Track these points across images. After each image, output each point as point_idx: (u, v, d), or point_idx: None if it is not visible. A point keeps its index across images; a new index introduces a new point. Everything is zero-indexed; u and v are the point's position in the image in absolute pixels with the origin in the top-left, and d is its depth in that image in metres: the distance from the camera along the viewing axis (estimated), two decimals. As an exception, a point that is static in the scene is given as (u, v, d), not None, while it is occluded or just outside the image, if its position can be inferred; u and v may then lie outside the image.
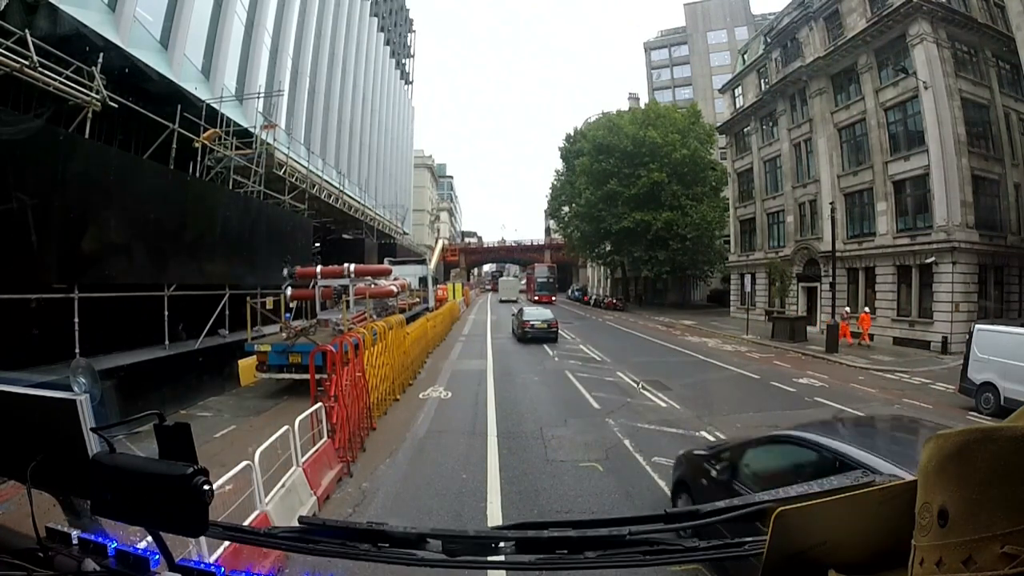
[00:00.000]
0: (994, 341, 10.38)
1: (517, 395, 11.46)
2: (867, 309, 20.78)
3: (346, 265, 14.20)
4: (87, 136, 9.79)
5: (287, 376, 11.07)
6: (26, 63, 8.55)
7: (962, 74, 20.20)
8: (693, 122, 38.43)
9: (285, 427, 5.24)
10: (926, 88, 19.45)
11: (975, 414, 10.24)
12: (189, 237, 11.85)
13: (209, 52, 17.12)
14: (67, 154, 8.64)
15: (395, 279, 18.37)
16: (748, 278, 28.66)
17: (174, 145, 12.53)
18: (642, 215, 36.29)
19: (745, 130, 32.04)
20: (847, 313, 21.04)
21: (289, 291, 13.78)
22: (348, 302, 13.17)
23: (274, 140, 18.53)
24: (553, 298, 49.12)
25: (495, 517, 5.44)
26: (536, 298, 47.25)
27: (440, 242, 63.56)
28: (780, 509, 0.81)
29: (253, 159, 16.39)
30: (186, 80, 14.74)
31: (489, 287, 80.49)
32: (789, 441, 3.91)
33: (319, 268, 14.46)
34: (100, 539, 1.07)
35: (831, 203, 22.06)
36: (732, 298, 33.06)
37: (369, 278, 15.46)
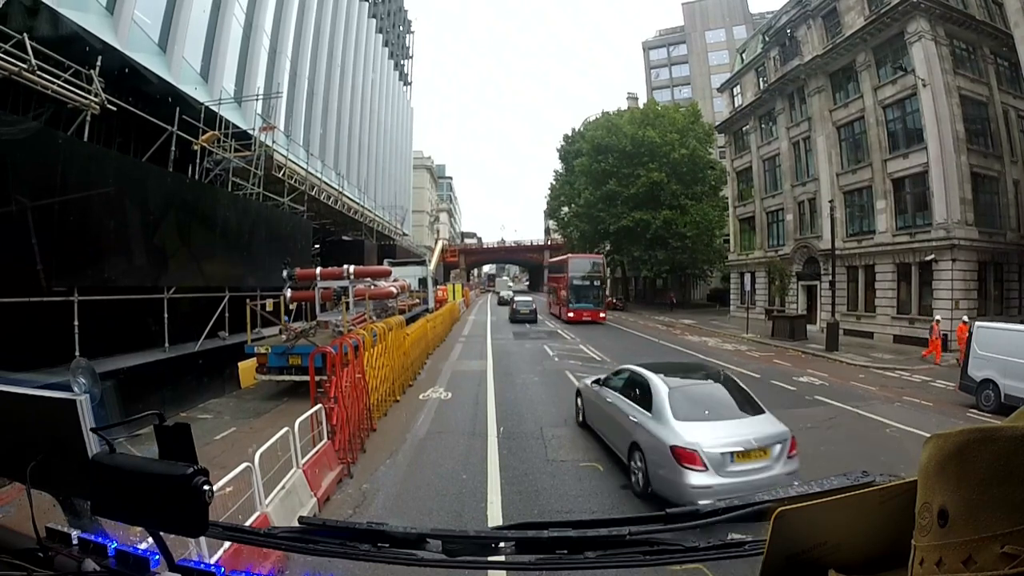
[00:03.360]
0: (994, 338, 10.39)
1: (517, 395, 11.45)
2: (965, 318, 16.07)
3: (346, 267, 14.20)
4: (86, 139, 9.78)
5: (287, 378, 11.07)
6: (24, 66, 8.54)
7: (960, 71, 20.22)
8: (692, 121, 38.46)
9: (285, 428, 5.24)
10: (924, 86, 19.46)
11: (975, 411, 10.25)
12: (188, 239, 11.84)
13: (208, 54, 17.11)
14: (66, 157, 8.64)
15: (395, 280, 18.36)
16: (748, 277, 28.68)
17: (173, 147, 12.54)
18: (641, 215, 36.33)
19: (744, 129, 32.05)
20: (938, 323, 16.90)
21: (289, 293, 13.78)
22: (348, 303, 13.17)
23: (273, 142, 18.53)
24: (603, 315, 29.25)
25: (495, 518, 5.44)
26: (571, 316, 27.96)
27: (439, 243, 63.49)
28: (780, 509, 0.81)
29: (252, 161, 16.38)
30: (185, 82, 14.74)
31: (487, 287, 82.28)
32: (626, 370, 7.37)
33: (319, 270, 14.46)
34: (100, 539, 1.07)
35: (830, 201, 22.08)
36: (732, 297, 33.07)
37: (369, 279, 15.44)
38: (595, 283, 29.89)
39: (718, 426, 5.64)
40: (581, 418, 8.63)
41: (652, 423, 5.91)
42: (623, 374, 7.32)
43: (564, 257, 33.55)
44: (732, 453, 5.32)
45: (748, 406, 6.10)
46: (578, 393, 8.95)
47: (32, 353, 7.58)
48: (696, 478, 5.21)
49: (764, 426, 5.75)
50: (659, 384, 6.26)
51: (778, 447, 5.53)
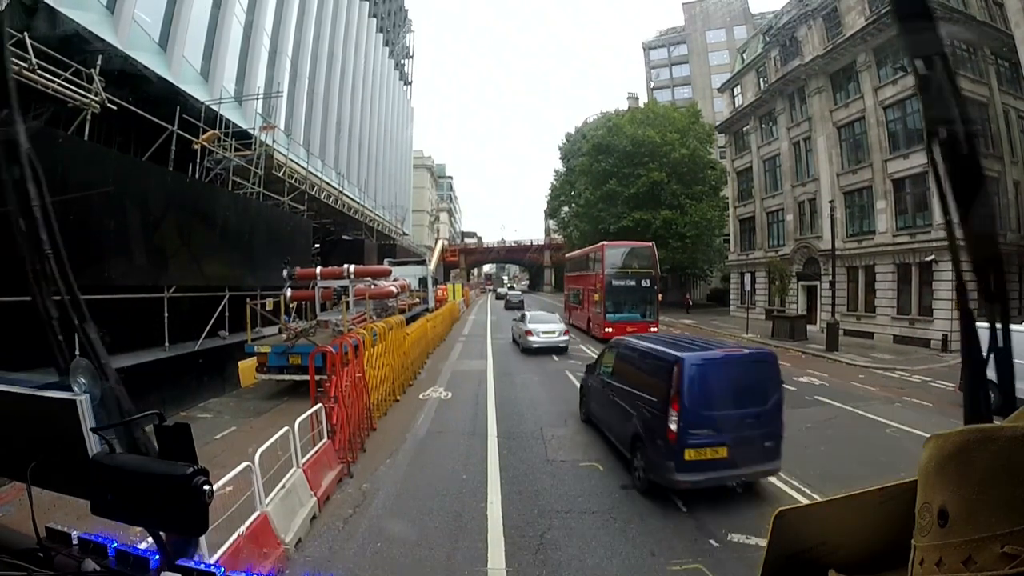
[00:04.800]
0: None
1: (517, 395, 11.45)
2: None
3: (346, 266, 14.20)
4: (86, 138, 9.78)
5: (287, 377, 11.07)
6: (25, 65, 8.54)
7: (961, 72, 20.20)
8: (692, 121, 38.43)
9: (285, 428, 5.24)
10: (925, 86, 19.44)
11: (975, 412, 10.23)
12: (188, 239, 11.84)
13: (208, 54, 17.11)
14: (66, 156, 8.64)
15: (395, 280, 18.36)
16: (748, 277, 28.69)
17: (173, 147, 12.53)
18: (641, 214, 36.31)
19: (744, 129, 32.05)
20: None
21: (289, 292, 13.78)
22: (348, 303, 13.16)
23: (273, 141, 18.53)
24: (655, 328, 20.14)
25: (495, 517, 5.44)
26: (609, 331, 18.69)
27: (440, 243, 63.49)
28: (780, 509, 0.81)
29: (252, 160, 16.39)
30: (185, 82, 14.73)
31: (486, 287, 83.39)
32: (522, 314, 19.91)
33: (319, 269, 14.47)
34: (100, 539, 1.07)
35: (830, 201, 22.07)
36: (732, 297, 33.08)
37: (369, 279, 15.45)
38: (643, 282, 20.73)
39: (541, 324, 17.90)
40: (512, 339, 19.96)
41: (523, 325, 18.19)
42: (523, 317, 19.17)
43: (596, 247, 23.77)
44: (543, 330, 17.54)
45: (557, 318, 19.05)
46: (512, 329, 20.51)
47: (32, 353, 7.58)
48: (532, 339, 17.31)
49: (556, 324, 18.15)
50: (528, 313, 19.70)
51: (558, 330, 17.78)
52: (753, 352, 6.43)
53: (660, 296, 21.52)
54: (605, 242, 23.72)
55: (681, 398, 5.51)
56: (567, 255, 33.78)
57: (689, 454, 5.45)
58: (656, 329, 20.42)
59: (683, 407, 5.50)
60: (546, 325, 17.68)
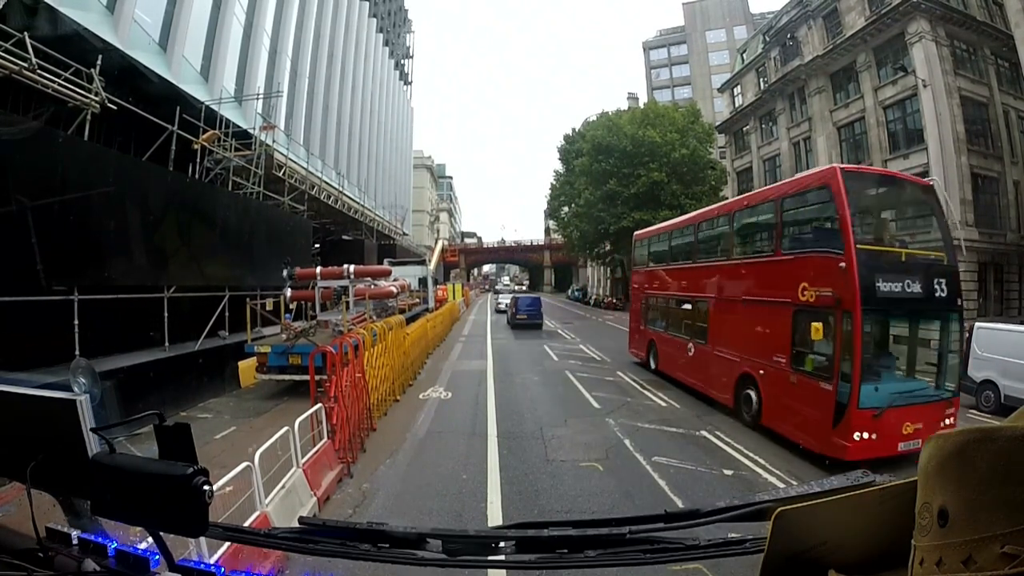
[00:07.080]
0: (994, 339, 10.38)
1: (517, 395, 11.45)
2: None
3: (346, 266, 14.21)
4: (86, 138, 9.78)
5: (287, 377, 11.07)
6: (25, 65, 8.54)
7: (961, 72, 20.22)
8: (692, 121, 38.37)
9: (285, 428, 5.24)
10: (925, 86, 19.46)
11: (975, 412, 10.24)
12: (188, 239, 11.84)
13: (208, 54, 17.12)
14: (66, 156, 8.64)
15: (395, 280, 18.36)
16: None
17: (173, 147, 12.53)
18: (641, 215, 36.21)
19: (744, 129, 32.07)
20: None
21: (289, 292, 13.78)
22: (348, 303, 13.17)
23: (273, 141, 18.53)
24: (953, 419, 7.46)
25: (495, 517, 5.44)
26: (864, 438, 6.67)
27: (440, 243, 63.40)
28: (780, 509, 0.81)
29: (252, 160, 16.39)
30: (185, 82, 14.74)
31: (486, 287, 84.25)
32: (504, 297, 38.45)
33: (319, 269, 14.47)
34: (100, 539, 1.07)
35: (830, 202, 22.05)
36: (732, 297, 33.04)
37: (369, 279, 15.45)
38: (935, 286, 7.73)
39: (503, 297, 38.68)
40: (495, 307, 38.62)
41: (496, 297, 45.49)
42: (497, 293, 54.70)
43: (802, 178, 8.85)
44: (503, 300, 35.29)
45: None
46: (493, 302, 43.93)
47: (32, 353, 7.58)
48: (499, 305, 36.73)
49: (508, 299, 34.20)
50: (501, 292, 52.61)
51: (507, 302, 31.97)
52: (535, 296, 31.55)
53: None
54: (837, 165, 8.57)
55: (517, 305, 27.30)
56: (644, 231, 15.94)
57: (517, 319, 26.43)
58: (955, 420, 7.69)
59: (517, 306, 27.20)
60: (506, 299, 33.62)
